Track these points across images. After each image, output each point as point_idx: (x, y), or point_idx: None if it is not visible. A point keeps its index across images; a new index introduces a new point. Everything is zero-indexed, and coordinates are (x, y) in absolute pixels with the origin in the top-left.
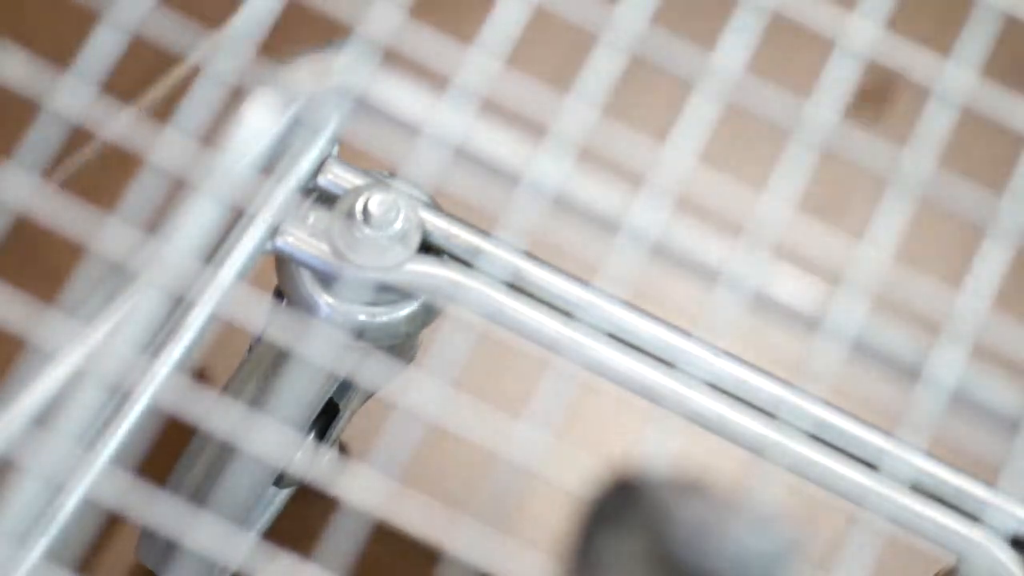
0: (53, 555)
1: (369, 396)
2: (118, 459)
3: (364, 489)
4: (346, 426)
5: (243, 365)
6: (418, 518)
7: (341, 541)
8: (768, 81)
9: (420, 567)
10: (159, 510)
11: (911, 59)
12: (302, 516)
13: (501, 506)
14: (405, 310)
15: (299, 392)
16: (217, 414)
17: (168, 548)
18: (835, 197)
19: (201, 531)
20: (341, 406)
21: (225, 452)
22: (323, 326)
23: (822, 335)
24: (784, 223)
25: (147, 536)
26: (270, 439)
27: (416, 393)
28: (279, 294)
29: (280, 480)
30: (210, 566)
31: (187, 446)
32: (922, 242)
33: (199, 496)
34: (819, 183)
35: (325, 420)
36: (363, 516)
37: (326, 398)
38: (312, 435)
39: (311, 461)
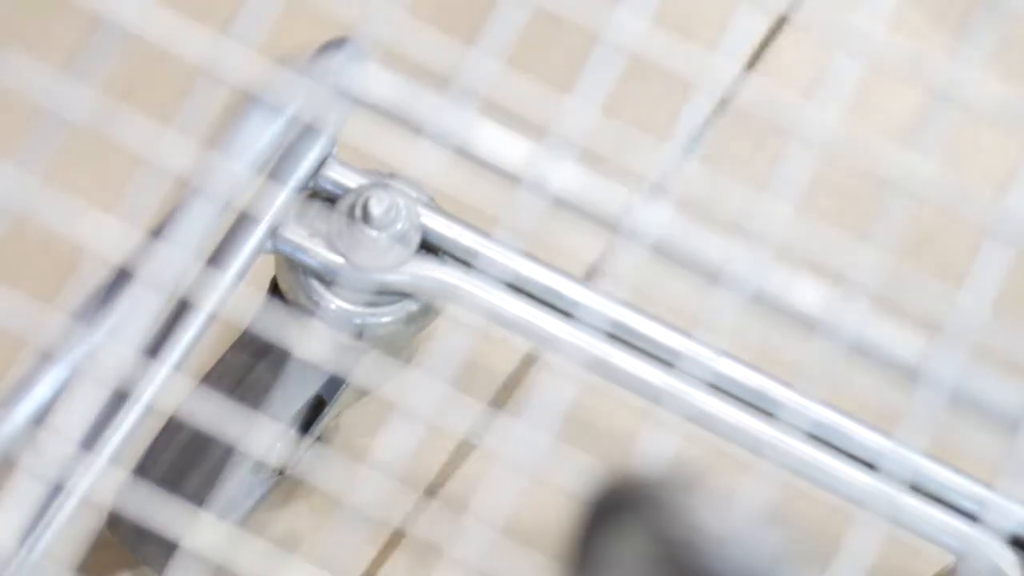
0: (53, 555)
1: (365, 394)
2: (118, 459)
3: (364, 490)
4: (335, 421)
5: (227, 353)
6: (419, 519)
7: (341, 541)
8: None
9: (420, 567)
10: (132, 492)
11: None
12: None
13: (501, 506)
14: (404, 310)
15: (286, 386)
16: (196, 400)
17: (138, 527)
18: (838, 200)
19: (173, 516)
20: (328, 401)
21: (200, 438)
22: (322, 326)
23: (821, 335)
24: (787, 225)
25: (117, 515)
26: (248, 428)
27: (414, 393)
28: (275, 290)
29: (259, 470)
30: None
31: (162, 429)
32: (923, 242)
33: (170, 479)
34: (820, 185)
35: (311, 413)
36: (364, 518)
37: (313, 393)
38: (295, 428)
39: (292, 453)
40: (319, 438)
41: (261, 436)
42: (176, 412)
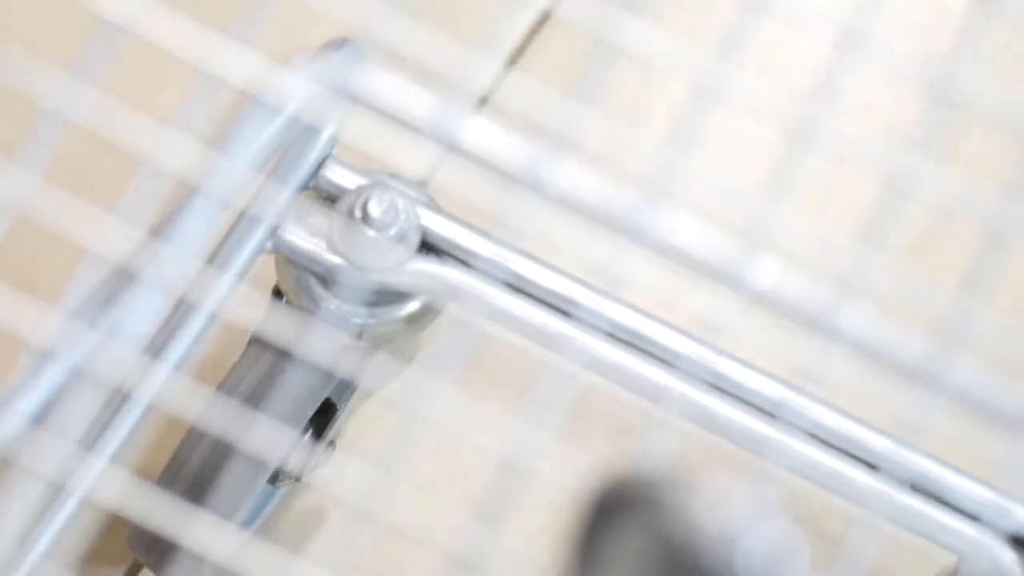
0: (53, 555)
1: (368, 395)
2: (118, 459)
3: (363, 488)
4: (344, 425)
5: (240, 361)
6: (418, 519)
7: (339, 540)
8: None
9: (419, 567)
10: (154, 505)
11: None
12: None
13: (501, 505)
14: (404, 310)
15: (297, 391)
16: (214, 411)
17: (159, 541)
18: (844, 201)
19: (194, 527)
20: (339, 405)
21: (220, 449)
22: (322, 326)
23: (826, 337)
24: (789, 223)
25: (140, 529)
26: (266, 437)
27: (415, 392)
28: (278, 293)
29: (276, 478)
30: (202, 561)
31: (182, 442)
32: (927, 243)
33: (193, 492)
34: (823, 185)
35: (322, 419)
36: (361, 515)
37: (323, 397)
38: (308, 434)
39: (307, 460)
40: (331, 442)
41: (281, 444)
42: (196, 424)
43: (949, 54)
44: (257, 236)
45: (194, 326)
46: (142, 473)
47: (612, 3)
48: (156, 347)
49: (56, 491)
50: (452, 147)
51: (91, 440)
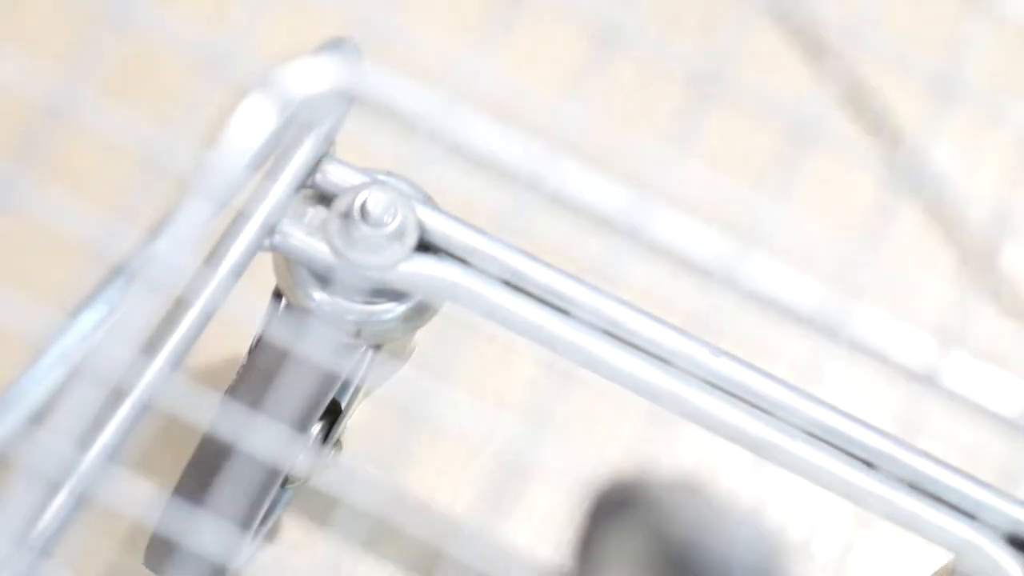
0: (53, 555)
1: (366, 395)
2: (115, 458)
3: (362, 489)
4: (345, 425)
5: (246, 367)
6: (417, 518)
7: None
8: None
9: (419, 568)
10: (167, 514)
11: None
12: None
13: (501, 505)
14: (402, 308)
15: (304, 393)
16: (225, 417)
17: (175, 552)
18: (839, 199)
19: (209, 535)
20: (344, 406)
21: (235, 457)
22: (321, 325)
23: (822, 334)
24: (784, 222)
25: (157, 546)
26: (280, 443)
27: (413, 391)
28: (278, 295)
29: (285, 481)
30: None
31: (195, 452)
32: (928, 240)
33: (209, 501)
34: (819, 184)
35: (328, 420)
36: (362, 516)
37: (330, 398)
38: (315, 435)
39: (314, 461)
40: (337, 442)
41: (294, 448)
42: (209, 432)
43: None
44: (255, 235)
45: (191, 325)
46: (144, 470)
47: None
48: (153, 346)
49: (54, 490)
50: (449, 145)
51: (89, 439)
